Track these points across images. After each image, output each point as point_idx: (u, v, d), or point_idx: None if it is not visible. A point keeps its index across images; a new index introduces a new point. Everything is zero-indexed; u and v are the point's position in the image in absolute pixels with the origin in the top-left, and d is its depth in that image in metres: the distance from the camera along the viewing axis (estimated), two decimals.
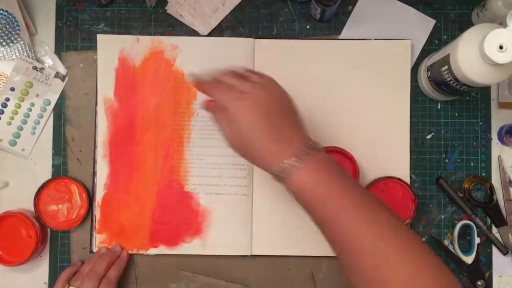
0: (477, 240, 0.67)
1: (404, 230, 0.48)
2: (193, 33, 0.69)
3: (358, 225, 0.47)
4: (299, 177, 0.49)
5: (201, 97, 0.68)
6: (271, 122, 0.50)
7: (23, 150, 0.69)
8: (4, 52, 0.68)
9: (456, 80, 0.58)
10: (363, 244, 0.46)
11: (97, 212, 0.67)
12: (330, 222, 0.48)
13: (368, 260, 0.46)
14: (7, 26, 0.68)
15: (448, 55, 0.58)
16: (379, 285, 0.45)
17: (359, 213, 0.47)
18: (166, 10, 0.69)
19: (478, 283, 0.67)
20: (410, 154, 0.68)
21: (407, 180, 0.67)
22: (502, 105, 0.69)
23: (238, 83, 0.52)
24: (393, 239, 0.46)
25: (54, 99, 0.69)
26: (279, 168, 0.49)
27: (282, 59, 0.68)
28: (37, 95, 0.69)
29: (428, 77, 0.65)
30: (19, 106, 0.69)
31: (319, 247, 0.67)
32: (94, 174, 0.68)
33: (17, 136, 0.69)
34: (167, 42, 0.69)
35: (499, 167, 0.69)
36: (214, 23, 0.69)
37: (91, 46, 0.69)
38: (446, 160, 0.69)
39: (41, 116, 0.69)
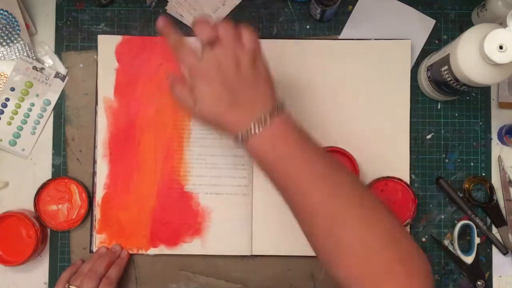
0: (477, 240, 0.67)
1: (367, 196, 0.49)
2: (193, 33, 0.69)
3: (315, 188, 0.48)
4: (255, 143, 0.50)
5: None
6: (230, 92, 0.51)
7: (23, 150, 0.69)
8: (4, 52, 0.68)
9: (456, 80, 0.58)
10: (319, 206, 0.48)
11: (97, 212, 0.67)
12: (285, 186, 0.50)
13: (324, 222, 0.47)
14: (7, 26, 0.68)
15: (448, 55, 0.58)
16: (333, 245, 0.46)
17: (317, 178, 0.49)
18: (166, 10, 0.69)
19: (478, 283, 0.67)
20: (410, 154, 0.68)
21: (407, 180, 0.67)
22: (502, 105, 0.69)
23: (198, 55, 0.52)
24: (353, 204, 0.47)
25: (54, 99, 0.69)
26: (237, 134, 0.50)
27: (282, 59, 0.68)
28: (37, 95, 0.69)
29: (428, 77, 0.65)
30: (19, 106, 0.69)
31: None
32: (94, 174, 0.68)
33: (17, 136, 0.69)
34: (167, 42, 0.68)
35: (499, 167, 0.69)
36: None
37: (91, 46, 0.69)
38: (446, 160, 0.69)
39: (41, 116, 0.69)
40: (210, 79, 0.51)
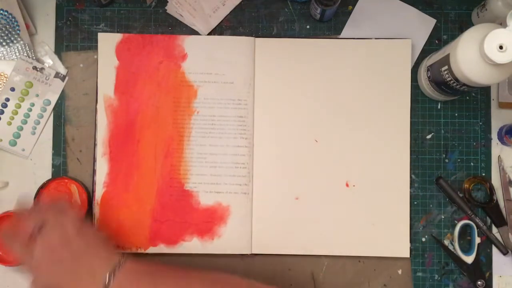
0: (477, 240, 0.67)
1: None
2: (193, 33, 0.69)
3: None
4: None
5: (201, 96, 0.68)
6: (67, 269, 0.53)
7: (23, 150, 0.69)
8: (4, 52, 0.68)
9: (456, 80, 0.58)
10: None
11: (96, 211, 0.67)
12: None
13: None
14: (7, 26, 0.68)
15: (448, 55, 0.58)
16: None
17: None
18: (166, 10, 0.69)
19: (478, 283, 0.67)
20: (410, 154, 0.68)
21: (407, 180, 0.67)
22: (502, 105, 0.69)
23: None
24: None
25: (54, 99, 0.69)
26: None
27: (282, 58, 0.68)
28: (37, 95, 0.69)
29: (428, 77, 0.65)
30: (19, 106, 0.69)
31: (319, 246, 0.67)
32: (94, 172, 0.68)
33: (17, 136, 0.69)
34: (167, 40, 0.69)
35: (499, 167, 0.69)
36: (214, 23, 0.69)
37: (91, 46, 0.69)
38: (446, 160, 0.69)
39: (41, 116, 0.69)
40: (46, 269, 0.54)
